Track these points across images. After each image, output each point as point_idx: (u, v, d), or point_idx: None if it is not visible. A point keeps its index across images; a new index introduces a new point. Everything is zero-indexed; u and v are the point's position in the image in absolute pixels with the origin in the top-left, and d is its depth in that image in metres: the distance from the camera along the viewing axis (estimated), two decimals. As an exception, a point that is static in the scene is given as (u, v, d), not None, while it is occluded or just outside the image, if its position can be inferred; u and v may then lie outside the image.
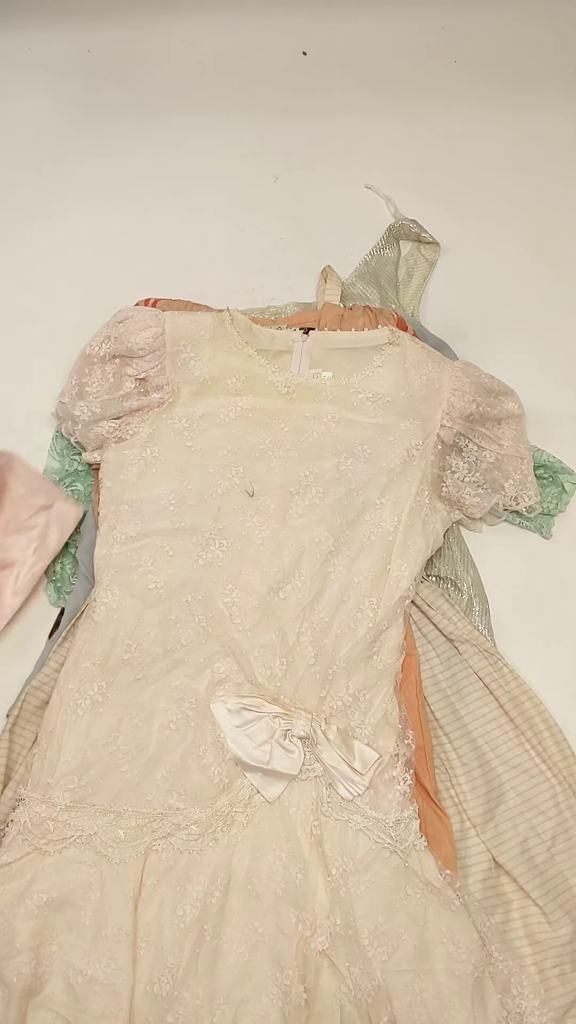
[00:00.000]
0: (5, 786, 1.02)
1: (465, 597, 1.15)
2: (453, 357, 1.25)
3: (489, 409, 1.14)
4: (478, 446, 1.14)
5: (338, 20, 1.64)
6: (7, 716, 1.05)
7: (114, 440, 1.14)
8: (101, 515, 1.12)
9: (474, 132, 1.54)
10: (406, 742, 1.03)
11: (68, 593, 1.16)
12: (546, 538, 1.21)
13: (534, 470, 1.19)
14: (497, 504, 1.17)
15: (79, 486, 1.21)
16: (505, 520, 1.21)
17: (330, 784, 1.00)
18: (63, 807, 0.98)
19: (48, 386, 1.25)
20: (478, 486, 1.15)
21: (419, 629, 1.12)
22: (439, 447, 1.14)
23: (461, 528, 1.21)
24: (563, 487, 1.21)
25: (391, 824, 0.98)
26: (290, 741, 1.00)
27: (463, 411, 1.13)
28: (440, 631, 1.11)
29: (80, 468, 1.22)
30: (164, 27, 1.62)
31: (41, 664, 1.09)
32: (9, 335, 1.34)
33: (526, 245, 1.45)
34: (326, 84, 1.58)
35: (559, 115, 1.57)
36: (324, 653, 1.06)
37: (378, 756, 1.01)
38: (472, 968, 0.93)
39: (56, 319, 1.34)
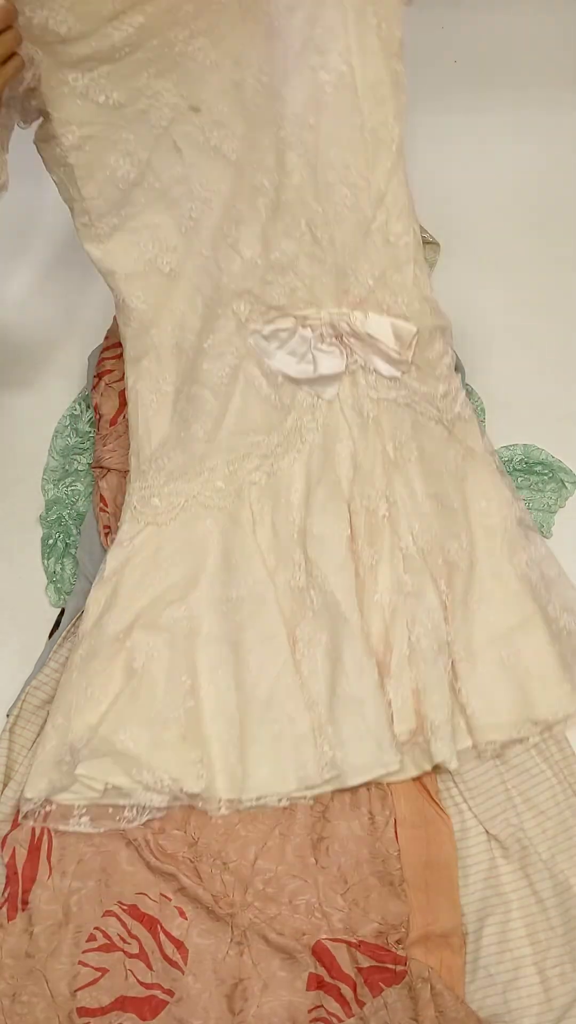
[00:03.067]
0: (5, 786, 1.02)
1: (465, 597, 1.15)
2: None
3: None
4: None
5: (338, 20, 1.64)
6: (7, 716, 1.05)
7: (43, 143, 0.99)
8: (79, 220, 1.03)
9: (474, 132, 1.54)
10: (442, 315, 1.07)
11: (68, 594, 1.16)
12: (546, 538, 1.21)
13: (533, 467, 1.20)
14: None
15: (79, 486, 1.22)
16: None
17: (375, 369, 1.05)
18: (161, 484, 1.07)
19: (48, 384, 1.26)
20: None
21: (419, 629, 1.12)
22: None
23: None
24: (562, 483, 1.21)
25: (439, 396, 1.05)
26: (327, 343, 1.04)
27: None
28: (440, 631, 1.11)
29: (80, 468, 1.22)
30: (164, 27, 1.62)
31: (41, 664, 1.09)
32: (9, 335, 1.34)
33: (526, 245, 1.45)
34: (326, 84, 1.58)
35: (559, 115, 1.57)
36: (330, 248, 1.04)
37: (415, 329, 1.03)
38: (501, 519, 1.06)
39: (56, 320, 1.34)
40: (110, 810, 0.98)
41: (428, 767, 1.01)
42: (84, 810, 0.98)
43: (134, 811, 0.98)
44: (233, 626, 1.04)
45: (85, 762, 0.97)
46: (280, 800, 0.99)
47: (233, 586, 1.05)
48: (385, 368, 1.05)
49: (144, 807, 0.98)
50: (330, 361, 1.05)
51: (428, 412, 1.05)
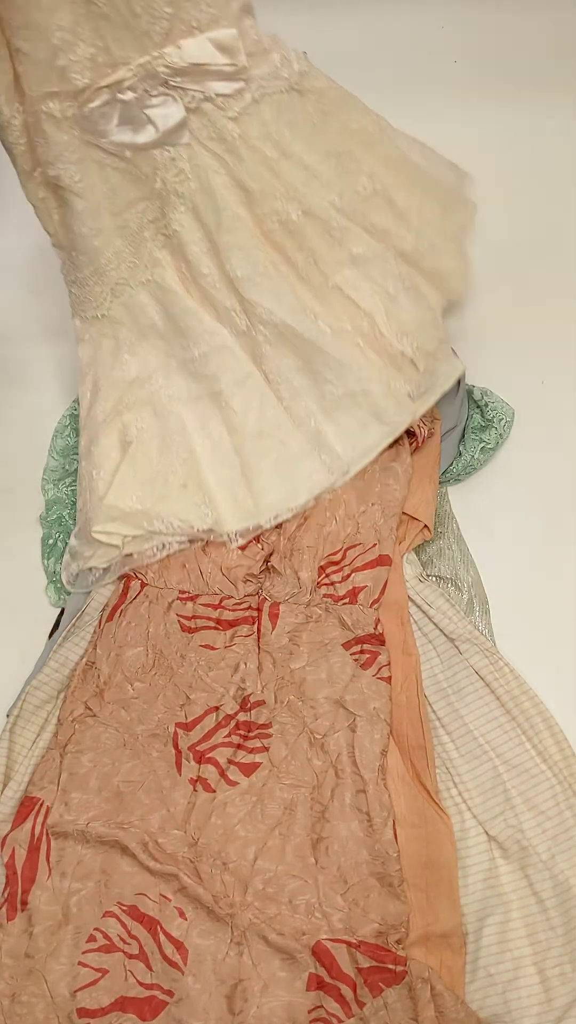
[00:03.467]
0: (5, 786, 1.02)
1: (465, 597, 1.15)
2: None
3: None
4: None
5: (338, 20, 1.64)
6: (7, 716, 1.06)
7: None
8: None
9: (474, 132, 1.54)
10: None
11: (68, 594, 1.16)
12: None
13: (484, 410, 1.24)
14: None
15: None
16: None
17: (217, 93, 1.01)
18: (83, 283, 1.11)
19: (48, 384, 1.26)
20: None
21: (419, 628, 1.12)
22: None
23: (460, 528, 1.20)
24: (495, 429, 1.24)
25: (279, 65, 1.04)
26: (155, 96, 1.01)
27: None
28: (440, 630, 1.11)
29: (80, 468, 1.22)
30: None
31: (41, 664, 1.09)
32: (8, 335, 1.34)
33: (526, 245, 1.45)
34: (326, 84, 1.58)
35: (559, 115, 1.57)
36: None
37: (234, 30, 0.99)
38: (376, 127, 1.11)
39: (55, 320, 1.34)
40: (134, 556, 1.09)
41: (448, 385, 1.15)
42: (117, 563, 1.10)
43: (154, 548, 1.09)
44: (207, 381, 1.11)
45: (99, 524, 1.08)
46: (295, 512, 1.10)
47: (192, 347, 1.11)
48: (226, 86, 1.02)
49: (163, 544, 1.09)
50: (165, 112, 1.01)
51: (278, 87, 1.04)
